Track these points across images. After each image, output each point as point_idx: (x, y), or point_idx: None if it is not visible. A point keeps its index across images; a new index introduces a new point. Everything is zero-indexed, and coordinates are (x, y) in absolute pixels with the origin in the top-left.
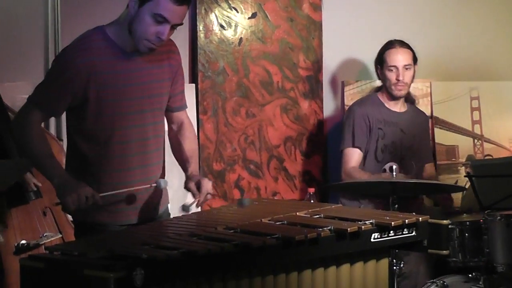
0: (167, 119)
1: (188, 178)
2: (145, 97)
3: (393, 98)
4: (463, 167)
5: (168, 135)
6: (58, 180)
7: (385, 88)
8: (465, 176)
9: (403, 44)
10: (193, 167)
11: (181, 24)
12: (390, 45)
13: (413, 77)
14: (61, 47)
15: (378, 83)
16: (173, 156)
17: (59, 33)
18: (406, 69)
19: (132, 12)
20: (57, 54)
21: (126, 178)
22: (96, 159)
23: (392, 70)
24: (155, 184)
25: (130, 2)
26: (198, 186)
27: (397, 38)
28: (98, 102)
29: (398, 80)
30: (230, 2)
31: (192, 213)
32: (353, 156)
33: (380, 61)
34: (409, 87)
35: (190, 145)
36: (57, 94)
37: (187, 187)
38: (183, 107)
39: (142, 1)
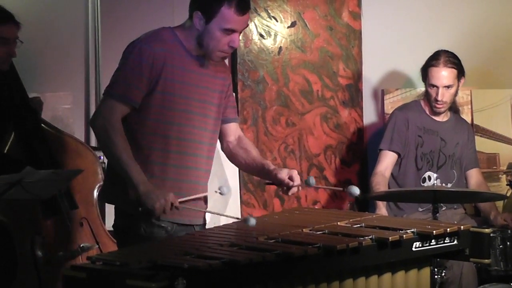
0: (223, 132)
1: (275, 170)
2: (207, 102)
3: (434, 111)
4: (504, 175)
5: (227, 148)
6: (144, 187)
7: (427, 99)
8: (507, 185)
9: (448, 61)
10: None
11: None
12: (435, 60)
13: (456, 93)
14: (102, 57)
15: (418, 91)
16: (239, 167)
17: (99, 44)
18: (448, 88)
19: (199, 27)
20: (129, 45)
21: (180, 175)
22: (154, 153)
23: (432, 88)
24: (240, 219)
25: (195, 18)
26: (290, 177)
27: (437, 46)
28: (164, 94)
29: (436, 100)
30: (269, 11)
31: (232, 222)
32: (385, 158)
33: (425, 73)
34: (449, 104)
35: (256, 152)
36: (137, 82)
37: (277, 179)
38: (236, 119)
39: (208, 18)
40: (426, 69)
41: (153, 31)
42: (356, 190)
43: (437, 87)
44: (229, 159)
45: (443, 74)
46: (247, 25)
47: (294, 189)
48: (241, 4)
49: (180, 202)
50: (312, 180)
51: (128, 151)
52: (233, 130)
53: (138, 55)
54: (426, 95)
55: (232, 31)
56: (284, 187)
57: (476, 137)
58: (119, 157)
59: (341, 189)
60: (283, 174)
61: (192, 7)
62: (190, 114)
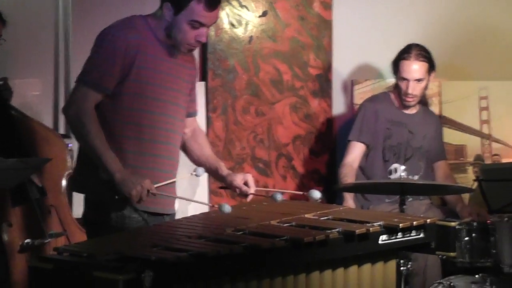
0: None
1: (229, 176)
2: (176, 90)
3: (404, 104)
4: (471, 167)
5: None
6: (121, 174)
7: (398, 92)
8: (474, 180)
9: (419, 54)
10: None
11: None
12: (406, 53)
13: (426, 87)
14: (72, 44)
15: (388, 82)
16: (191, 161)
17: (69, 31)
18: (418, 81)
19: (168, 18)
20: (102, 32)
21: (154, 164)
22: (127, 141)
23: (403, 81)
24: (216, 206)
25: (165, 9)
26: (246, 183)
27: (407, 38)
28: (137, 82)
29: (406, 93)
30: (241, 0)
31: (200, 213)
32: (354, 150)
33: (395, 66)
34: (419, 97)
35: (210, 149)
36: (110, 69)
37: (233, 185)
38: (196, 113)
39: (177, 10)
40: (397, 62)
41: (125, 18)
42: (317, 194)
43: (408, 80)
44: (182, 151)
45: (414, 68)
46: (215, 21)
47: (251, 195)
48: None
49: (156, 188)
50: (279, 196)
51: (102, 138)
52: (190, 123)
53: (111, 42)
54: (397, 88)
55: (200, 24)
56: (239, 192)
57: (444, 128)
58: (94, 144)
59: (301, 193)
60: (238, 181)
61: None
62: (163, 102)
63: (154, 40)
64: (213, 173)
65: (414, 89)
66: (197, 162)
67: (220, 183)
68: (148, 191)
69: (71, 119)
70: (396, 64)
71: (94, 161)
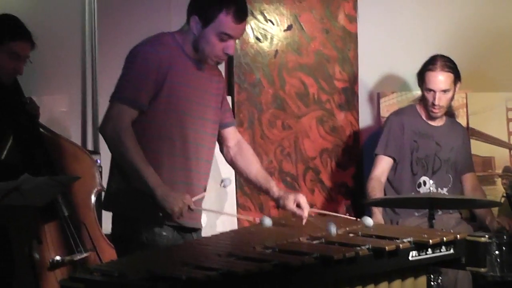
0: (223, 137)
1: (281, 199)
2: (205, 105)
3: (430, 116)
4: (500, 179)
5: (227, 154)
6: (161, 190)
7: (424, 104)
8: (503, 196)
9: (445, 65)
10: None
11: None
12: (431, 64)
13: (452, 98)
14: (99, 60)
15: (414, 94)
16: (239, 176)
17: (96, 46)
18: (444, 92)
19: (196, 32)
20: (133, 49)
21: (186, 178)
22: (160, 156)
23: (429, 92)
24: (258, 220)
25: (192, 22)
26: (298, 204)
27: (433, 49)
28: (169, 97)
29: (433, 104)
30: (266, 14)
31: (231, 230)
32: (381, 163)
33: (420, 79)
34: (446, 108)
35: (258, 165)
36: (144, 85)
37: (287, 207)
38: (234, 123)
39: (205, 23)
40: (422, 73)
41: (154, 36)
42: (370, 222)
43: (434, 91)
44: (230, 165)
45: (440, 79)
46: (243, 33)
47: (305, 218)
48: (239, 12)
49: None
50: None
51: (141, 155)
52: (232, 134)
53: (144, 58)
54: (423, 99)
55: (228, 37)
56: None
57: (471, 140)
58: (133, 161)
59: (354, 218)
60: (291, 204)
61: (189, 11)
62: (192, 118)
63: (182, 55)
64: (264, 193)
65: (441, 100)
66: (247, 180)
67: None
68: (188, 206)
69: (109, 137)
70: (422, 76)
71: (133, 178)
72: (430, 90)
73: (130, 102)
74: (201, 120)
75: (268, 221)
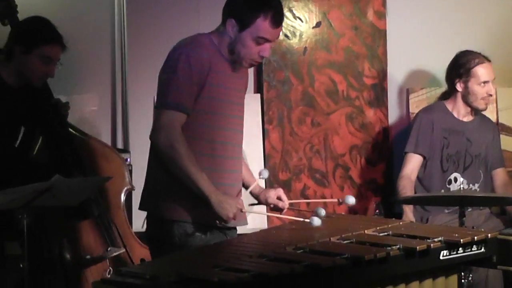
0: None
1: (262, 194)
2: (240, 104)
3: (477, 109)
4: None
5: None
6: (216, 196)
7: (464, 100)
8: None
9: (485, 57)
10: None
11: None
12: (477, 58)
13: None
14: (128, 60)
15: (444, 90)
16: None
17: (125, 46)
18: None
19: (232, 35)
20: (173, 52)
21: (227, 180)
22: (202, 158)
23: (483, 86)
24: (307, 220)
25: (229, 26)
26: (279, 198)
27: (461, 45)
28: (209, 99)
29: (490, 95)
30: (294, 11)
31: (261, 230)
32: (411, 161)
33: (465, 74)
34: None
35: (246, 166)
36: (190, 89)
37: (269, 200)
38: None
39: (242, 26)
40: (469, 69)
41: (192, 37)
42: (351, 200)
43: (489, 82)
44: None
45: (491, 70)
46: (279, 36)
47: (286, 209)
48: (277, 16)
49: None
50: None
51: (194, 161)
52: None
53: (186, 62)
54: (466, 95)
55: (265, 41)
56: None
57: (501, 136)
58: (188, 169)
59: (335, 200)
60: (273, 197)
61: (226, 14)
62: (231, 118)
63: (220, 57)
64: (245, 188)
65: (492, 91)
66: None
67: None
68: (241, 210)
69: (162, 146)
70: (468, 71)
71: (186, 184)
72: (485, 82)
73: (178, 107)
74: (238, 119)
75: (317, 221)
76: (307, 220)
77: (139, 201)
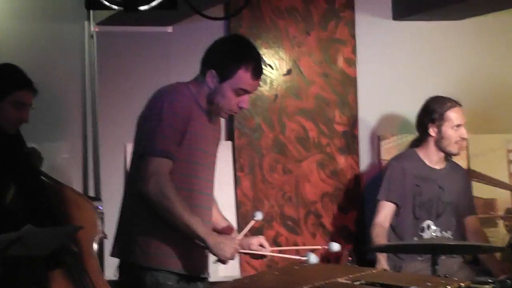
0: None
1: (244, 241)
2: (213, 155)
3: (449, 155)
4: (502, 221)
5: None
6: (212, 239)
7: (437, 145)
8: (508, 247)
9: (457, 102)
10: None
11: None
12: (449, 102)
13: None
14: (99, 107)
15: (414, 137)
16: None
17: (96, 93)
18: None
19: (212, 85)
20: (155, 99)
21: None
22: None
23: (457, 129)
24: (305, 258)
25: (209, 77)
26: (261, 245)
27: (432, 91)
28: (188, 148)
29: (463, 138)
30: (265, 58)
31: (234, 280)
32: (384, 209)
33: (439, 118)
34: None
35: (218, 210)
36: (175, 136)
37: (251, 247)
38: None
39: (222, 78)
40: (442, 113)
41: (171, 85)
42: (335, 247)
43: (461, 125)
44: None
45: (462, 113)
46: (257, 88)
47: (269, 257)
48: (258, 68)
49: None
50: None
51: (186, 206)
52: None
53: (171, 109)
54: (439, 140)
55: (245, 92)
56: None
57: (473, 182)
58: (180, 214)
59: (320, 247)
60: (255, 244)
61: (206, 65)
62: (205, 167)
63: (197, 106)
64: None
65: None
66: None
67: None
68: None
69: (153, 194)
70: (441, 116)
71: (184, 230)
72: (459, 125)
73: (166, 154)
74: (211, 170)
75: (313, 259)
76: (304, 258)
77: (110, 249)
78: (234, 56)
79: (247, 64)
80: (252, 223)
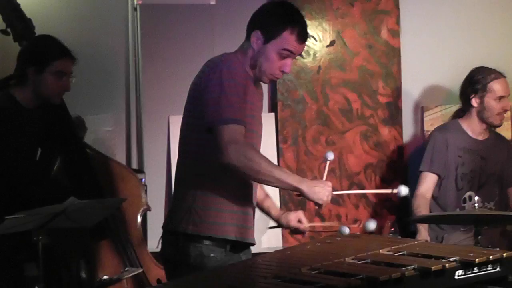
0: None
1: (283, 218)
2: (261, 122)
3: (491, 126)
4: None
5: None
6: (306, 185)
7: (479, 116)
8: None
9: (502, 74)
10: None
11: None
12: (493, 74)
13: None
14: (142, 80)
15: (457, 108)
16: None
17: (139, 65)
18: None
19: (256, 47)
20: (212, 71)
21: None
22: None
23: (499, 101)
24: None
25: (254, 37)
26: (299, 221)
27: (476, 62)
28: (247, 116)
29: (505, 110)
30: (308, 30)
31: (276, 251)
32: (426, 180)
33: (481, 89)
34: None
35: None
36: (240, 105)
37: (290, 223)
38: None
39: (267, 38)
40: (485, 84)
41: (222, 56)
42: (405, 190)
43: (505, 97)
44: None
45: (507, 85)
46: (301, 53)
47: (306, 231)
48: (303, 32)
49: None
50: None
51: (271, 162)
52: None
53: (231, 78)
54: (481, 110)
55: (289, 54)
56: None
57: None
58: (271, 171)
59: (389, 191)
60: (294, 221)
61: (251, 26)
62: (257, 135)
63: (248, 75)
64: (266, 214)
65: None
66: None
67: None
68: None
69: (237, 161)
70: (484, 87)
71: (278, 184)
72: (501, 97)
73: (236, 122)
74: (258, 137)
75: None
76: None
77: (153, 221)
78: (280, 18)
79: (293, 27)
80: (327, 164)
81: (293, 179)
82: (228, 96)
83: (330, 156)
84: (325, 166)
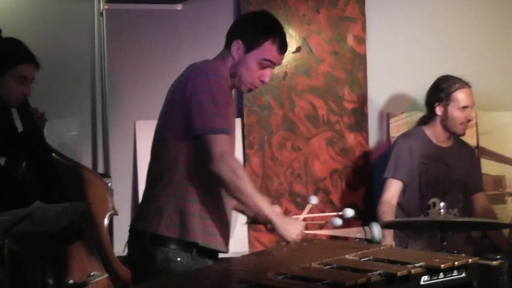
0: None
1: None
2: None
3: (455, 134)
4: (511, 198)
5: None
6: (279, 220)
7: (443, 125)
8: None
9: (467, 83)
10: None
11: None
12: (457, 83)
13: None
14: (108, 84)
15: (422, 114)
16: None
17: (105, 70)
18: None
19: (236, 56)
20: (197, 77)
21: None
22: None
23: (463, 110)
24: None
25: (234, 46)
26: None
27: (441, 69)
28: (228, 120)
29: (469, 120)
30: None
31: (242, 256)
32: (391, 187)
33: (445, 98)
34: None
35: None
36: (226, 113)
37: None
38: None
39: (248, 48)
40: (449, 93)
41: (206, 62)
42: (349, 212)
43: (468, 107)
44: None
45: (471, 95)
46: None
47: None
48: (284, 43)
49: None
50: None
51: (254, 187)
52: None
53: (218, 85)
54: (445, 119)
55: (269, 64)
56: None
57: (482, 159)
58: (252, 194)
59: (335, 214)
60: None
61: (232, 35)
62: (233, 142)
63: (229, 83)
64: (252, 218)
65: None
66: (236, 206)
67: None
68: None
69: (226, 175)
70: (448, 96)
71: (252, 208)
72: (465, 107)
73: (225, 131)
74: (232, 143)
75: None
76: (340, 213)
77: (120, 225)
78: (262, 28)
79: (275, 37)
80: (309, 206)
81: (269, 211)
82: (218, 106)
83: (313, 200)
84: (305, 207)
